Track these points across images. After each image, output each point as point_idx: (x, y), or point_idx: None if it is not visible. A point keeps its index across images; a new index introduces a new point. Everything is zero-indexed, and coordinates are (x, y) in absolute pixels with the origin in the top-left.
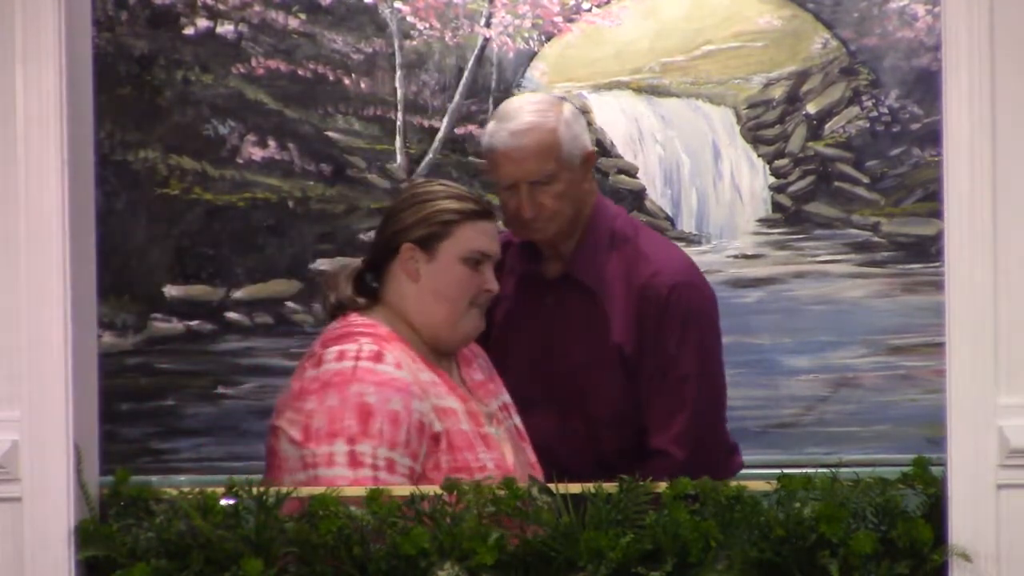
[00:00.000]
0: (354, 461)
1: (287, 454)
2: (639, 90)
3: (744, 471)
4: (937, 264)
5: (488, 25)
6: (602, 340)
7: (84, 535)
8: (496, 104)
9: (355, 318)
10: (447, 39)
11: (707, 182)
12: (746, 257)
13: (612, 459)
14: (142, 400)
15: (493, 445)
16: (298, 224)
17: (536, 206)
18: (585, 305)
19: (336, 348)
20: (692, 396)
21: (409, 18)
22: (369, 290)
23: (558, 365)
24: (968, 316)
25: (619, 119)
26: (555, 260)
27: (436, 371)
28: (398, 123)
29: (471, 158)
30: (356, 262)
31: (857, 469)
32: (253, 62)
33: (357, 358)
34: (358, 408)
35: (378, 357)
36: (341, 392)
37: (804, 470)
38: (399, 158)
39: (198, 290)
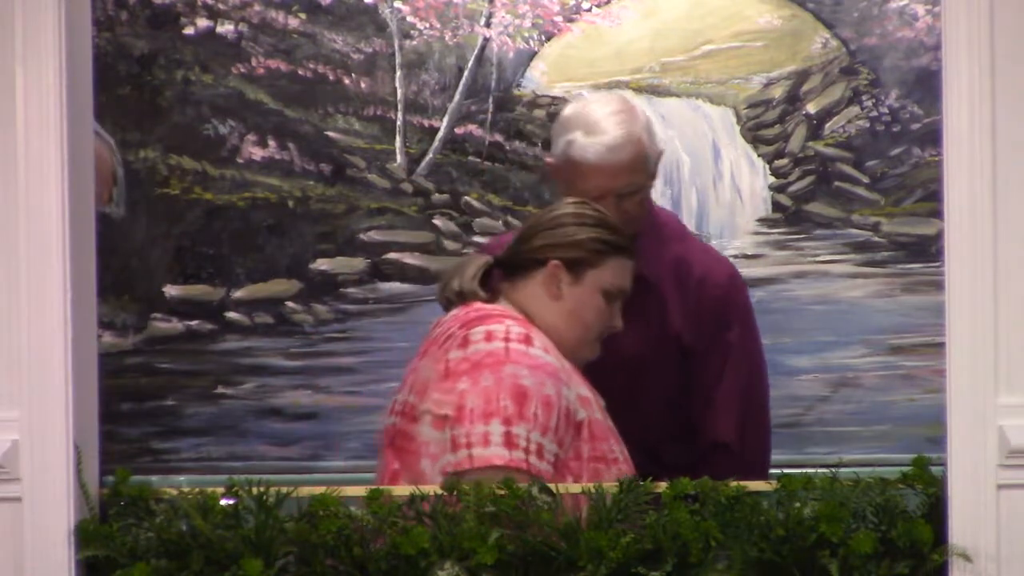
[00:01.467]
0: (509, 442)
1: (428, 438)
2: (639, 90)
3: None
4: (937, 264)
5: (488, 25)
6: (659, 331)
7: (84, 535)
8: (496, 104)
9: (482, 304)
10: (447, 39)
11: (707, 182)
12: (746, 257)
13: (658, 447)
14: (142, 400)
15: (619, 438)
16: (298, 224)
17: (622, 214)
18: (638, 297)
19: (483, 328)
20: (753, 385)
21: (409, 18)
22: (490, 286)
23: (610, 357)
24: (968, 316)
25: None
26: None
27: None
28: (398, 123)
29: (471, 158)
30: (484, 257)
31: (857, 469)
32: (253, 62)
33: (507, 339)
34: (514, 389)
35: (528, 340)
36: (495, 373)
37: (804, 470)
38: (399, 158)
39: (198, 290)
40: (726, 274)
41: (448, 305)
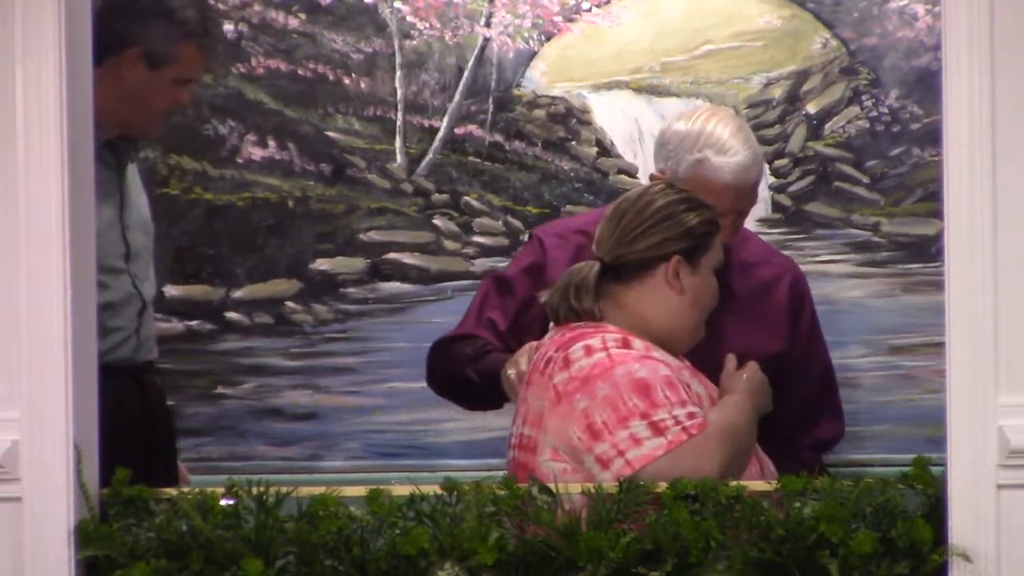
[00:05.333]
0: (657, 429)
1: (549, 469)
2: (639, 90)
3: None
4: (937, 264)
5: (488, 25)
6: (758, 338)
7: (84, 535)
8: (496, 104)
9: (576, 324)
10: (447, 39)
11: None
12: None
13: None
14: None
15: None
16: (298, 224)
17: (736, 230)
18: (726, 306)
19: (580, 344)
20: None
21: (409, 18)
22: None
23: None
24: (968, 316)
25: (619, 119)
26: None
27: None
28: (398, 123)
29: (471, 158)
30: (592, 266)
31: (857, 469)
32: (253, 62)
33: (606, 347)
34: (634, 386)
35: (626, 343)
36: (608, 379)
37: None
38: (399, 158)
39: (198, 290)
40: (804, 280)
41: (557, 317)
